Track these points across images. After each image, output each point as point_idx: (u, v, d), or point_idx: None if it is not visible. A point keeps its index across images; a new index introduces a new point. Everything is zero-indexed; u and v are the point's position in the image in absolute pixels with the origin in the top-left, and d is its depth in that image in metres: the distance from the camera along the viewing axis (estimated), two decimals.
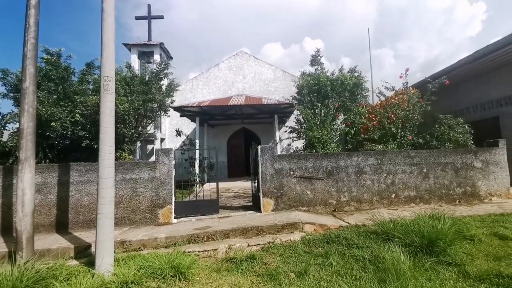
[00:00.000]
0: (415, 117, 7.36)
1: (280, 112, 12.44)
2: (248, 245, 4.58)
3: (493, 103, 8.67)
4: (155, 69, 11.34)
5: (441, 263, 3.55)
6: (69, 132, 9.12)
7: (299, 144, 10.55)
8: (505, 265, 3.45)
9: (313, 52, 13.22)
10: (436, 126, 7.35)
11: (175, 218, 5.79)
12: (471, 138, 7.23)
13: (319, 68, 12.61)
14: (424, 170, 6.79)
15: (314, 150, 7.09)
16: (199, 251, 4.39)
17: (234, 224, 5.21)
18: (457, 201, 6.84)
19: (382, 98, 8.47)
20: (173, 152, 5.87)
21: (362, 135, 8.37)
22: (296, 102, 10.86)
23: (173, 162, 5.87)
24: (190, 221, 5.72)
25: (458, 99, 9.59)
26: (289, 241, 4.71)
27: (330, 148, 6.77)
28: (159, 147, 14.00)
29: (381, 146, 7.02)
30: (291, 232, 5.03)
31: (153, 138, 14.05)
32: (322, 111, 8.35)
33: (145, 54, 15.06)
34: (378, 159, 6.64)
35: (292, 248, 4.40)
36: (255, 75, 16.24)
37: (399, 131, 7.28)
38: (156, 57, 14.32)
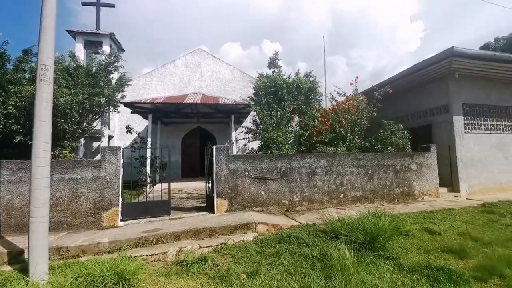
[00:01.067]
0: (363, 122, 7.90)
1: (237, 112, 12.44)
2: (200, 247, 4.46)
3: (427, 112, 9.67)
4: (103, 60, 10.54)
5: (380, 258, 3.83)
6: (1, 126, 8.06)
7: (255, 145, 10.65)
8: (434, 258, 3.84)
9: (271, 55, 13.49)
10: (381, 131, 7.98)
11: (121, 220, 5.42)
12: (409, 143, 7.97)
13: (277, 71, 12.87)
14: (369, 172, 7.30)
15: (269, 151, 7.20)
16: (147, 255, 4.16)
17: (185, 225, 5.05)
18: (396, 200, 7.48)
19: (334, 103, 8.93)
20: (121, 150, 5.50)
21: (315, 137, 8.72)
22: (253, 103, 10.93)
23: (121, 161, 5.50)
24: (138, 223, 5.40)
25: (399, 107, 10.51)
26: (241, 241, 4.70)
27: (285, 150, 6.93)
28: (107, 145, 13.06)
29: (332, 149, 7.39)
30: (244, 233, 5.02)
31: (100, 135, 13.05)
32: (278, 113, 8.51)
33: (92, 44, 13.93)
34: (329, 161, 6.96)
35: (245, 249, 4.40)
36: (212, 73, 16.02)
37: (349, 134, 7.75)
38: (106, 48, 13.35)
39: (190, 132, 15.51)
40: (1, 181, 4.85)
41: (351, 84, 8.44)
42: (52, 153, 8.86)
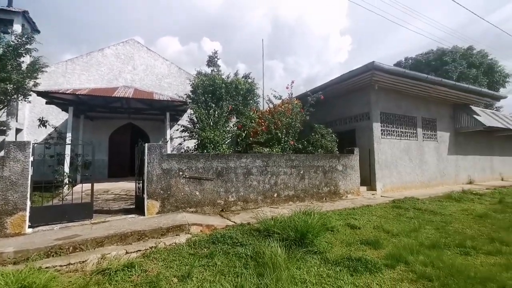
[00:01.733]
0: (297, 125, 8.34)
1: (172, 109, 11.91)
2: (127, 252, 4.12)
3: (352, 118, 10.71)
4: (13, 41, 9.01)
5: (309, 253, 4.07)
6: None
7: (191, 144, 10.35)
8: (354, 250, 4.25)
9: (210, 53, 13.36)
10: (312, 134, 8.53)
11: (30, 227, 4.67)
12: (336, 146, 8.70)
13: (216, 70, 12.80)
14: (301, 172, 7.73)
15: (205, 151, 7.06)
16: (61, 265, 3.66)
17: (110, 230, 4.60)
18: (324, 198, 8.08)
19: (271, 105, 9.24)
20: (31, 146, 4.74)
21: (251, 138, 8.88)
22: (190, 101, 10.63)
23: (31, 158, 4.74)
24: (51, 230, 4.72)
25: (329, 112, 11.40)
26: (174, 244, 4.49)
27: (222, 150, 6.88)
28: (14, 139, 11.19)
29: (268, 150, 7.61)
30: (176, 235, 4.81)
31: (5, 128, 11.11)
32: (216, 112, 8.42)
33: (1, 23, 11.80)
34: (264, 161, 7.15)
35: (177, 252, 4.21)
36: (147, 67, 15.06)
37: (283, 136, 8.09)
38: (17, 28, 11.49)
39: (120, 129, 14.30)
40: None
41: (287, 88, 8.86)
42: None
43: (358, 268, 3.51)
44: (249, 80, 12.57)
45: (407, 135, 11.03)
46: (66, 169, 8.71)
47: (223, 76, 11.81)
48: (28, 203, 4.67)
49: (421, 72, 11.04)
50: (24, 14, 11.88)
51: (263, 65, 20.18)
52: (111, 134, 14.09)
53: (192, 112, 11.72)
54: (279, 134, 8.11)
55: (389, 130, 10.39)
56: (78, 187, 6.88)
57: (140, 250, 4.21)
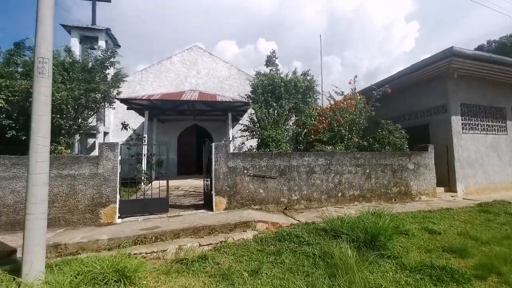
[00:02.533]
0: (361, 121, 7.92)
1: (234, 110, 12.37)
2: (200, 245, 4.42)
3: (424, 112, 9.73)
4: (100, 56, 10.38)
5: (382, 256, 3.84)
6: None
7: (253, 143, 10.61)
8: (435, 257, 3.86)
9: (268, 53, 13.47)
10: (379, 130, 8.01)
11: (119, 218, 5.35)
12: (406, 143, 8.02)
13: (274, 69, 12.87)
14: (367, 171, 7.32)
15: (267, 149, 7.17)
16: (146, 253, 4.11)
17: (184, 223, 4.99)
18: (393, 199, 7.52)
19: (332, 102, 8.94)
20: (119, 146, 5.42)
21: (312, 136, 8.73)
22: (251, 101, 10.90)
23: (119, 157, 5.41)
24: (136, 221, 5.33)
25: (396, 107, 10.56)
26: (241, 239, 4.67)
27: (284, 148, 6.91)
28: (102, 141, 12.90)
29: (330, 147, 7.40)
30: (243, 231, 4.99)
31: (95, 132, 12.88)
32: (276, 111, 8.49)
33: (88, 40, 13.71)
34: (327, 160, 6.97)
35: (245, 247, 4.37)
36: (209, 71, 15.91)
37: (347, 133, 7.76)
38: (102, 44, 13.15)
39: (186, 130, 15.40)
40: None
41: (349, 83, 8.46)
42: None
43: (443, 277, 3.19)
44: (308, 77, 12.35)
45: (494, 129, 9.59)
46: (144, 167, 9.72)
47: (281, 75, 11.83)
48: (118, 196, 5.35)
49: (507, 56, 9.46)
50: (107, 31, 13.59)
51: (321, 61, 19.66)
52: (179, 135, 15.26)
53: (253, 112, 12.08)
54: (342, 131, 7.81)
55: (472, 124, 9.16)
56: (154, 184, 7.64)
57: (211, 244, 4.48)
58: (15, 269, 3.34)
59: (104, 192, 5.18)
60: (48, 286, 2.87)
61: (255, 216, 5.42)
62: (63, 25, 13.20)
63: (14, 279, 3.07)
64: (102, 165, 5.21)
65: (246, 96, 11.76)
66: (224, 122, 15.03)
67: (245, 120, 13.27)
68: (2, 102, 8.18)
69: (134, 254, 4.00)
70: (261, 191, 6.32)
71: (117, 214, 5.27)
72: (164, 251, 4.19)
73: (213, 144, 6.08)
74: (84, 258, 3.68)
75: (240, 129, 9.21)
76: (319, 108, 9.56)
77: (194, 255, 3.96)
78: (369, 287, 2.96)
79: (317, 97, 11.82)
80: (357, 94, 8.48)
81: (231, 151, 12.11)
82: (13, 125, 8.68)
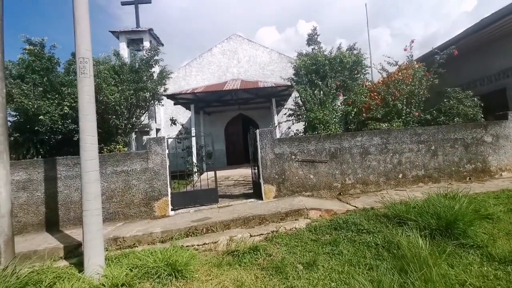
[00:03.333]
0: (421, 92, 6.95)
1: (277, 95, 11.98)
2: (251, 236, 4.28)
3: (500, 74, 8.24)
4: (144, 55, 10.80)
5: (462, 246, 3.25)
6: (59, 126, 8.71)
7: (299, 127, 10.18)
8: None
9: (309, 31, 12.68)
10: (445, 100, 6.94)
11: (172, 210, 5.47)
12: (480, 112, 6.84)
13: (316, 48, 12.07)
14: (433, 148, 6.45)
15: (315, 132, 6.71)
16: (198, 245, 4.09)
17: (234, 213, 4.90)
18: (467, 178, 6.54)
19: (384, 75, 8.01)
20: (165, 140, 5.49)
21: (364, 114, 7.97)
22: (294, 83, 10.39)
23: (167, 151, 5.50)
24: (188, 212, 5.40)
25: (461, 73, 9.14)
26: (294, 229, 4.41)
27: (333, 129, 6.39)
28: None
29: (386, 125, 6.64)
30: (295, 220, 4.72)
31: (148, 129, 13.63)
32: (322, 91, 7.91)
33: (134, 42, 14.42)
34: (383, 138, 6.28)
35: (298, 237, 4.10)
36: (249, 58, 15.66)
37: (404, 107, 6.89)
38: (146, 44, 13.71)
39: (232, 120, 15.49)
40: (58, 176, 5.14)
41: (405, 49, 7.44)
42: (108, 148, 9.42)
43: None
44: (355, 52, 11.33)
45: None
46: (194, 159, 9.97)
47: (325, 53, 11.04)
48: (169, 189, 5.46)
49: None
50: (150, 32, 14.12)
51: (368, 32, 17.99)
52: (226, 126, 15.43)
53: (297, 95, 11.57)
54: (399, 106, 6.94)
55: None
56: (204, 175, 7.77)
57: (262, 234, 4.31)
58: (81, 261, 3.54)
59: (155, 185, 5.32)
60: (106, 279, 2.96)
61: (307, 204, 5.10)
62: (112, 32, 14.03)
63: (77, 273, 3.24)
64: (151, 160, 5.34)
65: (289, 79, 11.27)
66: (268, 109, 14.74)
67: (290, 104, 12.85)
68: (67, 108, 8.99)
69: (186, 246, 4.00)
70: (312, 176, 5.95)
71: (170, 207, 5.40)
72: (215, 242, 4.13)
73: (258, 131, 5.85)
74: (140, 251, 3.77)
75: (285, 114, 8.82)
76: (369, 83, 8.66)
77: (245, 246, 3.82)
78: (450, 285, 2.47)
79: (366, 72, 10.80)
80: (414, 62, 7.43)
81: (278, 136, 11.85)
82: (78, 129, 9.54)
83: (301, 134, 7.83)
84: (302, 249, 3.70)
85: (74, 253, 4.04)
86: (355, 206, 5.09)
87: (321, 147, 6.02)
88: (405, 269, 2.66)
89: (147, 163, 5.33)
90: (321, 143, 6.03)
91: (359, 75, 10.64)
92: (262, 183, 5.77)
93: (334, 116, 6.83)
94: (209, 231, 4.42)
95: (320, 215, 4.82)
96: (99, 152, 8.34)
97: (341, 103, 8.55)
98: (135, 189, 5.27)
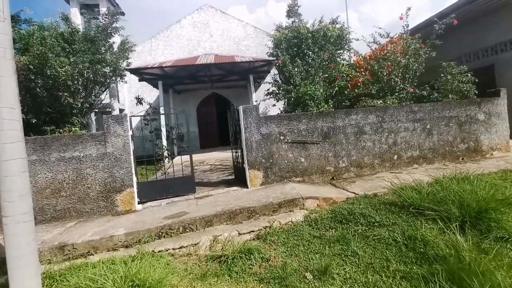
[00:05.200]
0: (414, 67, 6.40)
1: (255, 72, 11.03)
2: (239, 234, 3.50)
3: (488, 50, 7.97)
4: (101, 22, 9.25)
5: (498, 240, 2.71)
6: None
7: (279, 106, 9.43)
8: None
9: (289, 2, 11.69)
10: (442, 75, 6.46)
11: (139, 203, 4.52)
12: (474, 88, 6.47)
13: (297, 20, 11.18)
14: (428, 127, 5.99)
15: (301, 111, 5.97)
16: (173, 249, 3.24)
17: (217, 206, 4.07)
18: (461, 158, 6.21)
19: (375, 47, 7.35)
20: (128, 119, 4.44)
21: (352, 91, 7.33)
22: (274, 58, 9.51)
23: (130, 132, 4.46)
24: (159, 206, 4.48)
25: (451, 48, 8.74)
26: (290, 223, 3.70)
27: (326, 107, 5.67)
28: None
29: (380, 102, 6.05)
30: (290, 211, 4.01)
31: (110, 109, 12.14)
32: (308, 65, 7.14)
33: (88, 8, 12.53)
34: (378, 117, 5.70)
35: (297, 233, 3.40)
36: (223, 32, 14.39)
37: (399, 83, 6.32)
38: (103, 10, 11.91)
39: (205, 100, 14.34)
40: None
41: (401, 18, 6.77)
42: (60, 131, 7.99)
43: None
44: (337, 26, 10.61)
45: None
46: (164, 142, 8.89)
47: (307, 25, 10.20)
48: (135, 178, 4.48)
49: None
50: None
51: (346, 10, 17.38)
52: (198, 106, 14.27)
53: (276, 73, 10.69)
54: (394, 80, 6.32)
55: None
56: (176, 160, 6.78)
57: (253, 231, 3.55)
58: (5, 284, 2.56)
59: (117, 174, 4.30)
60: None
61: (301, 191, 4.39)
62: None
63: None
64: (110, 143, 4.28)
65: (268, 54, 10.35)
66: (244, 88, 13.78)
67: (267, 83, 11.96)
68: None
69: (159, 251, 3.15)
70: (303, 160, 5.24)
71: (136, 200, 4.43)
72: (195, 244, 3.30)
73: (241, 107, 4.96)
74: (96, 263, 2.85)
75: (267, 91, 7.97)
76: (358, 57, 7.98)
77: (234, 248, 3.04)
78: None
79: (351, 47, 10.17)
80: (408, 33, 6.82)
81: None
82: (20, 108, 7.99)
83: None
84: (305, 250, 3.00)
85: (2, 269, 3.01)
86: (354, 193, 4.47)
87: (313, 126, 5.30)
88: (447, 277, 2.03)
89: (105, 147, 4.27)
90: (313, 122, 5.30)
91: (342, 50, 10.00)
92: (246, 169, 4.96)
93: (326, 92, 6.10)
94: (187, 230, 3.56)
95: (317, 205, 4.15)
96: (45, 134, 6.91)
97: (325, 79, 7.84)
98: (91, 179, 4.22)
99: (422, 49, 6.42)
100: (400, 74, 6.29)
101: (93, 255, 3.18)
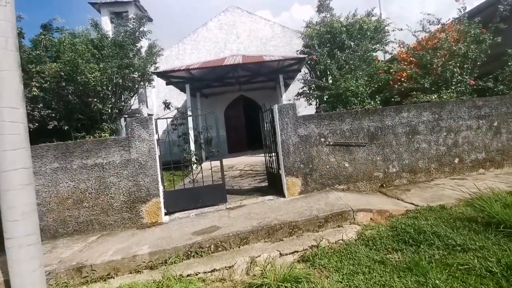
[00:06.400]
0: (475, 55, 5.49)
1: (284, 71, 10.44)
2: (280, 254, 2.94)
3: None
4: (129, 26, 9.18)
5: None
6: (29, 112, 7.23)
7: (309, 110, 8.80)
8: None
9: None
10: (509, 64, 5.49)
11: (166, 214, 4.11)
12: None
13: (328, 15, 10.48)
14: (495, 124, 5.09)
15: (344, 109, 5.30)
16: (204, 272, 2.74)
17: (252, 219, 3.54)
18: None
19: (423, 36, 6.49)
20: (153, 122, 4.06)
21: (391, 86, 6.51)
22: (306, 55, 8.88)
23: (156, 136, 4.07)
24: (187, 217, 4.04)
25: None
26: (341, 241, 3.08)
27: (373, 103, 4.97)
28: None
29: (435, 97, 5.23)
30: (338, 226, 3.38)
31: (138, 114, 12.11)
32: (345, 60, 6.46)
33: (118, 16, 12.65)
34: (435, 114, 4.90)
35: (352, 255, 2.77)
36: (250, 33, 13.99)
37: (456, 75, 5.45)
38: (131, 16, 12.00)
39: (233, 103, 13.96)
40: None
41: (457, 0, 5.92)
42: (91, 137, 7.91)
43: None
44: (373, 18, 9.79)
45: None
46: (192, 147, 8.57)
47: (341, 19, 9.51)
48: (161, 187, 4.08)
49: None
50: (136, 3, 12.39)
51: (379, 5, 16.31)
52: (226, 109, 13.91)
53: (306, 72, 10.06)
54: (452, 71, 5.43)
55: None
56: (204, 165, 6.36)
57: (297, 251, 2.97)
58: None
59: (142, 183, 3.92)
60: None
61: (350, 202, 3.74)
62: (92, 4, 12.29)
63: None
64: (135, 148, 3.91)
65: (298, 52, 9.77)
66: (273, 89, 13.25)
67: (296, 83, 11.36)
68: (36, 90, 7.46)
69: (188, 276, 2.67)
70: (347, 164, 4.58)
71: (163, 211, 4.02)
72: (230, 267, 2.78)
73: (276, 106, 4.42)
74: None
75: (301, 89, 7.36)
76: (403, 49, 7.13)
77: (276, 274, 2.48)
78: None
79: (388, 40, 9.31)
80: (466, 17, 5.90)
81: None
82: (53, 114, 8.02)
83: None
84: (367, 280, 2.37)
85: None
86: (413, 204, 3.75)
87: (358, 126, 4.62)
88: None
89: (129, 152, 3.91)
90: (358, 121, 4.62)
91: (380, 44, 9.20)
92: (283, 175, 4.39)
93: (369, 86, 5.37)
94: (220, 249, 3.06)
95: (371, 219, 3.48)
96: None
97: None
98: (114, 188, 3.87)
99: (483, 34, 5.50)
100: (458, 64, 5.41)
101: (113, 277, 2.77)
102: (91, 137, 7.78)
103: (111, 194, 3.86)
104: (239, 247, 3.09)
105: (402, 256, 2.65)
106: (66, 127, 8.09)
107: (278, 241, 3.16)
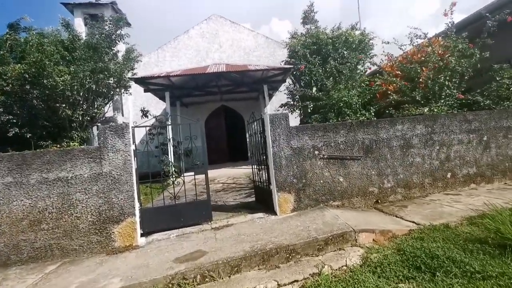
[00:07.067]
0: (463, 70, 5.50)
1: (268, 81, 10.23)
2: (279, 285, 2.53)
3: None
4: (105, 28, 8.60)
5: None
6: None
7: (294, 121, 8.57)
8: None
9: (305, 8, 11.02)
10: (497, 79, 5.52)
11: (142, 235, 3.58)
12: None
13: (313, 27, 10.47)
14: (484, 138, 5.05)
15: (336, 120, 5.07)
16: None
17: (243, 242, 3.11)
18: None
19: (408, 49, 6.48)
20: (130, 130, 3.58)
21: (378, 99, 6.42)
22: (291, 66, 8.73)
23: (133, 146, 3.58)
24: (167, 239, 3.54)
25: (500, 46, 7.54)
26: (345, 268, 2.73)
27: (368, 114, 4.77)
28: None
29: (426, 110, 5.13)
30: (339, 249, 3.03)
31: (113, 122, 11.34)
32: (348, 64, 6.29)
33: (93, 18, 11.96)
34: (427, 127, 4.78)
35: (359, 285, 2.42)
36: (233, 42, 13.76)
37: (445, 88, 5.42)
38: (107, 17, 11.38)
39: (214, 113, 13.53)
40: None
41: (445, 15, 5.94)
42: (58, 146, 7.15)
43: None
44: (357, 32, 9.88)
45: None
46: (171, 158, 8.04)
47: (326, 31, 9.49)
48: (137, 205, 3.56)
49: None
50: (113, 6, 11.78)
51: (358, 9, 16.79)
52: (206, 119, 13.43)
53: (291, 83, 9.90)
54: (441, 85, 5.38)
55: None
56: (186, 178, 5.87)
57: (297, 281, 2.58)
58: None
59: (115, 200, 3.39)
60: None
61: (349, 222, 3.42)
62: (65, 4, 11.56)
63: None
64: (107, 160, 3.40)
65: (283, 62, 9.61)
66: (255, 100, 13.00)
67: (278, 96, 11.17)
68: None
69: None
70: (341, 179, 4.30)
71: (139, 232, 3.50)
72: None
73: (267, 116, 4.08)
74: None
75: (287, 99, 7.12)
76: (385, 63, 7.12)
77: None
78: None
79: (372, 54, 9.38)
80: (453, 31, 5.94)
81: None
82: (14, 121, 7.20)
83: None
84: None
85: None
86: (415, 222, 3.50)
87: (353, 138, 4.38)
88: None
89: (100, 165, 3.38)
90: (353, 133, 4.39)
91: (365, 56, 9.23)
92: (274, 191, 4.02)
93: (361, 97, 5.20)
94: (206, 280, 2.60)
95: (374, 240, 3.17)
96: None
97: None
98: (81, 206, 3.31)
99: (470, 49, 5.54)
100: (447, 78, 5.38)
101: None
102: (58, 146, 7.05)
103: (76, 213, 3.29)
104: (229, 276, 2.65)
105: (417, 285, 2.34)
106: (29, 135, 7.28)
107: (274, 269, 2.75)
